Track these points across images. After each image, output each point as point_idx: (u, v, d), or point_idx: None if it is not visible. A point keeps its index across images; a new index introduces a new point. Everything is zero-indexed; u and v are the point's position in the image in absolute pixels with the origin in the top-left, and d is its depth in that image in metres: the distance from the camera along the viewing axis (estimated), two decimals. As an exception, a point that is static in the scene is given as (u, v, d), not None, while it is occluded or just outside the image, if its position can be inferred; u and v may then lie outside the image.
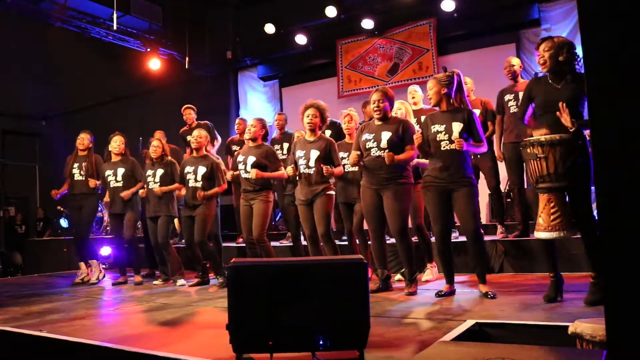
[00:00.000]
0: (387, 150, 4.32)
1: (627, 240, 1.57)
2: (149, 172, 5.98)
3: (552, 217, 3.41)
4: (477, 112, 5.60)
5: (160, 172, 5.91)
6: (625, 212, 1.57)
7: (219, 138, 7.50)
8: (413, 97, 5.84)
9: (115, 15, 9.20)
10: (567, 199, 3.46)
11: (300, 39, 9.97)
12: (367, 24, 9.38)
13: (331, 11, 9.45)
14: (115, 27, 9.38)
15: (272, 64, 11.01)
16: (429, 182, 4.16)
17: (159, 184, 5.84)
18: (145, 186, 5.97)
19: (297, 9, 10.07)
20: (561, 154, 3.35)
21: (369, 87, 9.44)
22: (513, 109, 5.39)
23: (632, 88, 1.58)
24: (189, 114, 7.44)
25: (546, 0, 8.20)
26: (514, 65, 5.59)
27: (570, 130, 3.37)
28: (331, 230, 4.90)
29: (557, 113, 3.45)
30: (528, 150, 3.47)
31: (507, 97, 5.50)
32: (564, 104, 3.41)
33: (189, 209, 5.61)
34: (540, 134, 3.47)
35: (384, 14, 9.39)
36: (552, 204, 3.42)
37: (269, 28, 10.13)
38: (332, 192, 4.92)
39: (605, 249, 1.61)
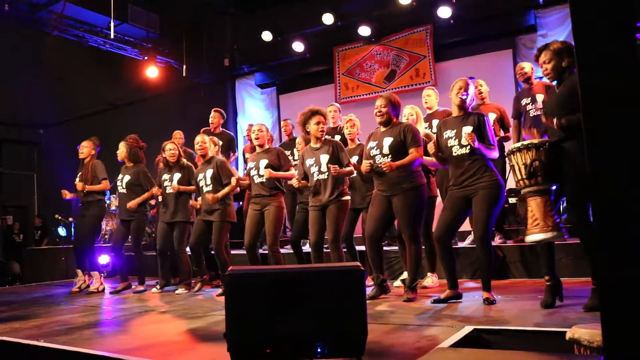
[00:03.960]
0: (389, 157, 4.33)
1: (623, 246, 1.57)
2: (166, 176, 5.96)
3: (531, 221, 3.52)
4: (493, 116, 5.58)
5: (177, 176, 5.90)
6: (621, 218, 1.58)
7: (237, 152, 7.48)
8: (426, 102, 5.84)
9: (112, 24, 9.22)
10: (550, 201, 3.49)
11: (298, 46, 10.00)
12: (364, 30, 9.42)
13: (328, 18, 9.50)
14: (112, 36, 9.39)
15: (270, 71, 11.03)
16: (449, 189, 4.18)
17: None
18: (158, 190, 5.95)
19: (294, 17, 10.11)
20: (523, 159, 3.47)
21: (366, 94, 9.48)
22: (532, 112, 5.35)
23: (624, 89, 1.59)
24: (216, 117, 7.37)
25: (542, 7, 8.24)
26: (524, 68, 5.56)
27: (558, 127, 3.37)
28: (340, 237, 4.82)
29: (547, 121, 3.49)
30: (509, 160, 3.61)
31: (524, 100, 5.47)
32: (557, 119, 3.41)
33: (206, 213, 5.57)
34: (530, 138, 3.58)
35: (381, 21, 9.43)
36: (530, 208, 3.54)
37: (267, 35, 10.17)
38: (348, 198, 4.86)
39: (600, 255, 1.62)
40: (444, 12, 8.57)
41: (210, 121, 7.40)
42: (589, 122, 1.65)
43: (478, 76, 6.96)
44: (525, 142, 3.49)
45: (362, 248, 5.41)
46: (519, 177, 3.51)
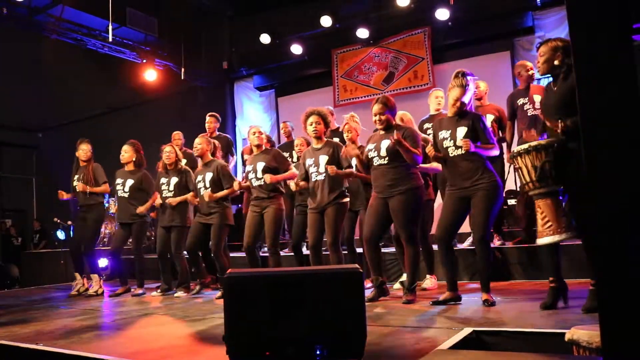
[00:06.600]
0: (386, 159, 4.33)
1: (621, 246, 1.57)
2: (163, 180, 5.95)
3: (542, 223, 3.41)
4: (490, 117, 5.55)
5: (174, 180, 5.88)
6: (620, 217, 1.58)
7: (236, 156, 7.48)
8: (439, 104, 5.78)
9: (110, 27, 9.21)
10: (560, 202, 3.45)
11: (296, 49, 10.02)
12: (362, 33, 9.44)
13: (326, 21, 9.51)
14: (111, 39, 9.38)
15: (268, 74, 11.05)
16: (447, 190, 4.16)
17: (173, 192, 5.83)
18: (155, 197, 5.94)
19: (292, 19, 10.13)
20: (532, 161, 3.36)
21: (364, 96, 9.49)
22: (530, 112, 5.31)
23: (622, 90, 1.59)
24: (211, 122, 7.35)
25: (540, 8, 8.27)
26: (529, 70, 5.53)
27: (562, 130, 3.31)
28: (339, 240, 4.81)
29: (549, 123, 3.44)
30: (513, 163, 3.52)
31: (521, 100, 5.43)
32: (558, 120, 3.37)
33: (204, 215, 5.56)
34: (530, 139, 3.51)
35: (379, 23, 9.46)
36: (540, 210, 3.43)
37: (265, 38, 10.19)
38: (347, 200, 4.84)
39: (599, 255, 1.62)
40: (442, 14, 8.59)
41: (206, 126, 7.39)
42: (587, 122, 1.66)
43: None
44: (533, 144, 3.36)
45: (360, 250, 5.42)
46: (528, 180, 3.40)
